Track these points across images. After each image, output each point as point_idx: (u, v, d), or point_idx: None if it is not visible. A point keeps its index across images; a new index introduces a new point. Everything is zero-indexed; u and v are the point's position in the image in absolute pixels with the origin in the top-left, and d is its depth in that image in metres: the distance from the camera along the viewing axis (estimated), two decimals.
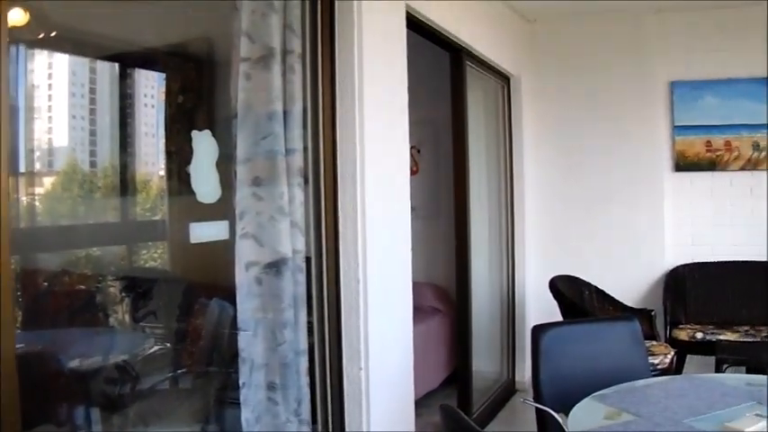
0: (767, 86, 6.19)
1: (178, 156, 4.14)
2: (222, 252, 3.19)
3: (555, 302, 5.70)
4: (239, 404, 3.04)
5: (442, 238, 6.30)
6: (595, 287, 6.05)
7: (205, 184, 3.02)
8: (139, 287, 4.34)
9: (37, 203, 4.09)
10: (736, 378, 3.22)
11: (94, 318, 4.11)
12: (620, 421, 2.54)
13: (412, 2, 4.11)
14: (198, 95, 4.38)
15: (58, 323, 3.88)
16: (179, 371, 4.17)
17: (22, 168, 3.88)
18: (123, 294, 4.29)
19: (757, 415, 2.43)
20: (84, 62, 4.27)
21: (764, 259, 6.15)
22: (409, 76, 4.08)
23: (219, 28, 3.40)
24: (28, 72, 3.90)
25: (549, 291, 5.75)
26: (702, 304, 6.16)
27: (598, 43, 6.57)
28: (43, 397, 3.23)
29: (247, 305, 3.02)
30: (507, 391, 6.25)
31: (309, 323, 3.27)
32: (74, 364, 3.49)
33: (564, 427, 2.61)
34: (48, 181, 4.19)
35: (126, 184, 4.49)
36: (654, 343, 5.25)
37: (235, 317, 3.04)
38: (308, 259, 3.24)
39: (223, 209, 3.07)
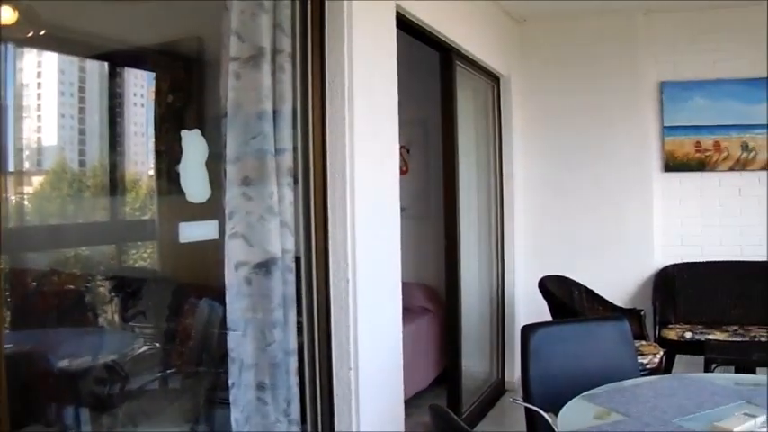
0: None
1: (168, 155, 4.13)
2: (212, 252, 3.18)
3: (544, 302, 5.71)
4: (229, 404, 3.04)
5: (431, 238, 6.30)
6: (585, 287, 6.06)
7: (194, 183, 3.01)
8: (129, 287, 4.32)
9: (26, 203, 4.07)
10: (725, 377, 3.22)
11: (84, 317, 4.10)
12: (609, 421, 2.55)
13: (402, 2, 4.11)
14: (187, 95, 4.36)
15: (47, 323, 3.86)
16: (168, 371, 4.16)
17: (11, 167, 3.86)
18: (112, 294, 4.27)
19: (746, 414, 2.43)
20: (73, 61, 4.25)
21: (753, 259, 6.18)
22: (399, 76, 4.08)
23: (209, 27, 3.39)
24: (17, 71, 3.88)
25: (538, 290, 5.76)
26: (692, 304, 6.18)
27: (588, 44, 6.58)
28: (32, 397, 3.22)
29: (237, 305, 3.01)
30: (497, 390, 6.26)
31: (299, 323, 3.26)
32: (63, 363, 3.48)
33: (553, 426, 2.61)
34: (36, 180, 4.17)
35: (115, 183, 4.47)
36: (643, 342, 5.26)
37: (224, 317, 3.04)
38: (297, 259, 3.24)
39: (212, 208, 3.06)
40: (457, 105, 5.35)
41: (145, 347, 4.07)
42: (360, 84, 3.58)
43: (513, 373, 6.35)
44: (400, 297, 4.09)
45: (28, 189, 4.09)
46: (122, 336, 4.24)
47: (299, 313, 3.25)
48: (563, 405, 2.75)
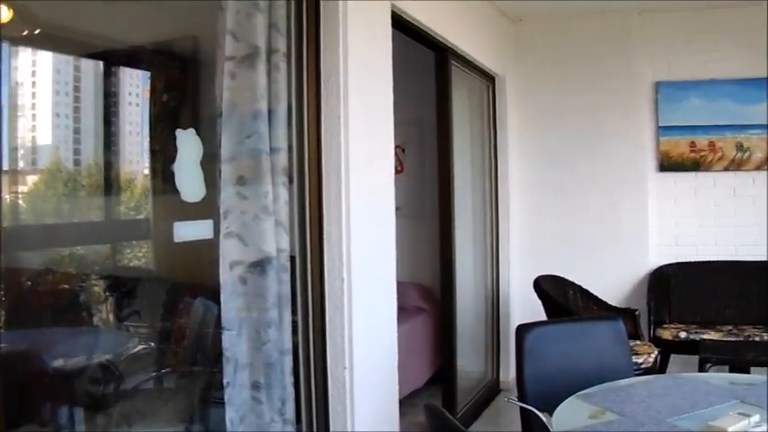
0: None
1: (162, 154, 4.11)
2: (206, 251, 3.17)
3: (539, 302, 5.71)
4: (223, 404, 3.03)
5: (426, 238, 6.30)
6: (579, 287, 6.07)
7: (189, 182, 3.00)
8: (123, 286, 4.31)
9: (20, 202, 4.06)
10: (719, 377, 3.22)
11: (78, 317, 4.09)
12: (603, 420, 2.55)
13: (397, 1, 4.11)
14: (183, 94, 4.35)
15: (42, 322, 3.85)
16: (163, 370, 4.15)
17: (5, 166, 3.85)
18: (107, 293, 4.26)
19: (740, 414, 2.44)
20: (68, 60, 4.24)
21: (748, 259, 6.20)
22: (394, 76, 4.08)
23: (205, 26, 3.39)
24: (12, 70, 3.87)
25: (533, 290, 5.76)
26: (686, 304, 6.20)
27: (583, 44, 6.59)
28: (27, 397, 3.21)
29: (232, 304, 3.01)
30: (492, 390, 6.27)
31: (294, 322, 3.26)
32: (57, 363, 3.47)
33: (548, 426, 2.61)
34: (31, 179, 4.16)
35: (110, 182, 4.46)
36: (638, 342, 5.27)
37: (219, 316, 3.04)
38: (292, 258, 3.24)
39: (207, 208, 3.05)
40: (452, 105, 5.35)
41: (139, 347, 4.06)
42: (355, 83, 3.57)
43: (508, 372, 6.36)
44: (395, 296, 4.09)
45: (22, 188, 4.08)
46: (117, 335, 4.23)
47: (293, 313, 3.25)
48: (558, 405, 2.75)
